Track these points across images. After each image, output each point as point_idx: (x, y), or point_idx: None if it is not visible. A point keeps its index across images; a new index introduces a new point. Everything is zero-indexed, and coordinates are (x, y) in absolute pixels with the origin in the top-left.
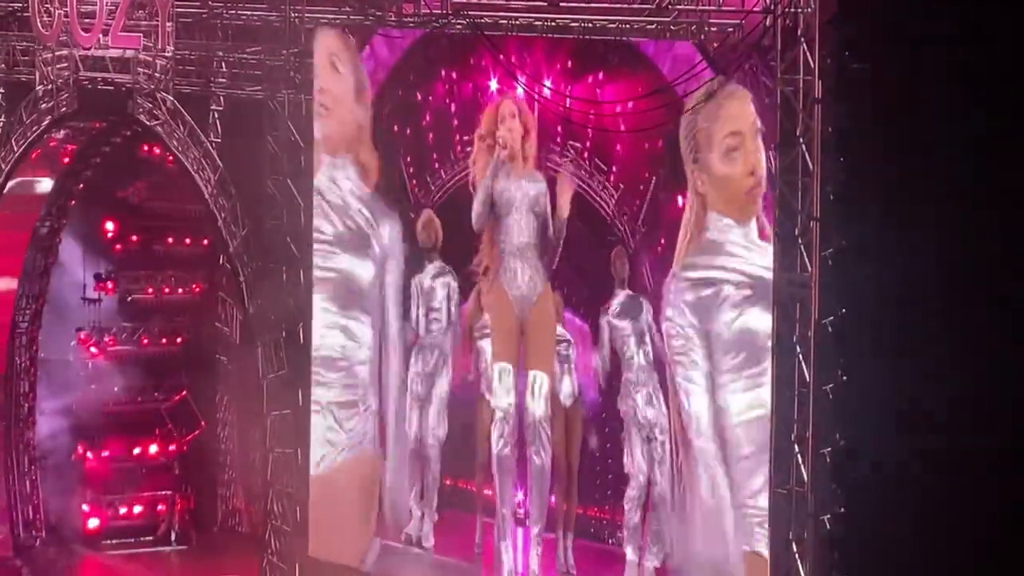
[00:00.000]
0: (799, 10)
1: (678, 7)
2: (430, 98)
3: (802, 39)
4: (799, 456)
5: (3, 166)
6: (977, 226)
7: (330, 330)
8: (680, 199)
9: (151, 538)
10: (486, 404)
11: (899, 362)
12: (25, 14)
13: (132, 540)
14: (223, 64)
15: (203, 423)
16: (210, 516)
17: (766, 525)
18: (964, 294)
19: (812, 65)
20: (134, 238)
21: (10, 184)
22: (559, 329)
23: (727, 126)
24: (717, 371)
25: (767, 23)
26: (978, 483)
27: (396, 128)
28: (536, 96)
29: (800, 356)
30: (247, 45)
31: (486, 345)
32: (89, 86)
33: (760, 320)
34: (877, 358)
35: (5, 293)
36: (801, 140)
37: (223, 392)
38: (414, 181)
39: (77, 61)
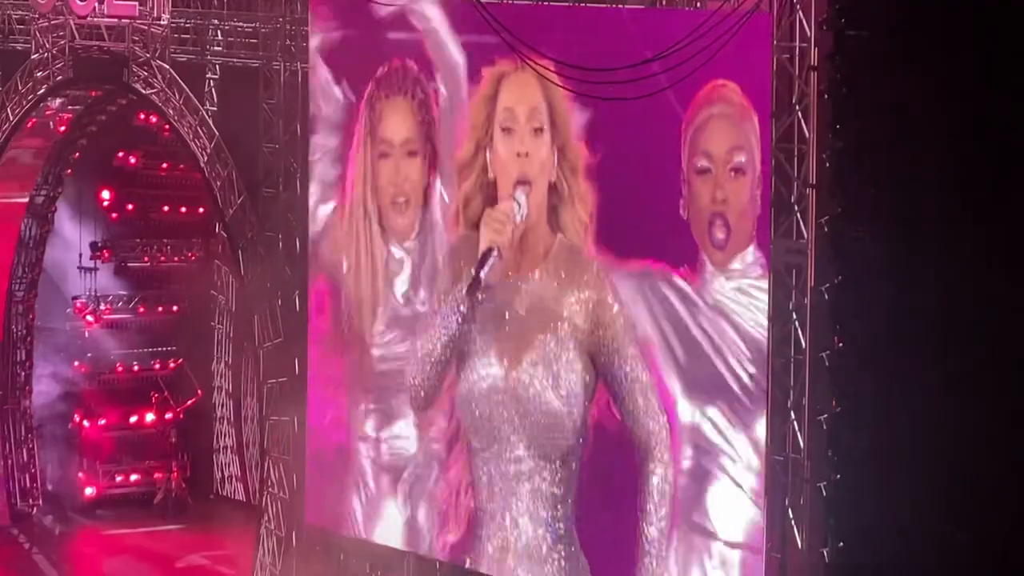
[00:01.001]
0: None
1: None
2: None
3: (798, 6)
4: (795, 423)
5: None
6: (975, 191)
7: None
8: None
9: (148, 506)
10: None
11: (895, 328)
12: None
13: (128, 508)
14: (219, 32)
15: (199, 391)
16: (206, 484)
17: None
18: (961, 260)
19: (808, 32)
20: (130, 206)
21: (5, 153)
22: None
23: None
24: None
25: None
26: (976, 450)
27: None
28: (532, 64)
29: (796, 322)
30: (242, 13)
31: None
32: (85, 54)
33: None
34: (873, 324)
35: (1, 262)
36: (797, 107)
37: (219, 360)
38: None
39: (73, 29)
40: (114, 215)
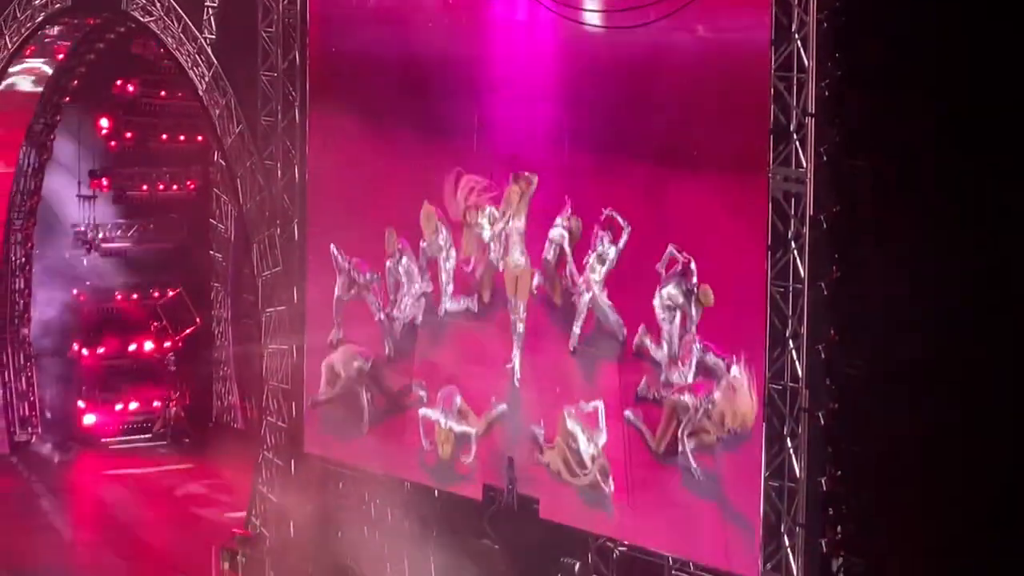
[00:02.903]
0: None
1: None
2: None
3: None
4: (793, 351)
5: None
6: (976, 117)
7: None
8: None
9: (147, 435)
10: None
11: (894, 257)
12: None
13: (128, 437)
14: None
15: (198, 320)
16: (205, 413)
17: None
18: (962, 185)
19: None
20: (128, 135)
21: (4, 81)
22: None
23: None
24: None
25: None
26: (977, 376)
27: None
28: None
29: (795, 251)
30: None
31: None
32: None
33: None
34: (871, 253)
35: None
36: (796, 35)
37: (218, 289)
38: None
39: None
40: (112, 143)
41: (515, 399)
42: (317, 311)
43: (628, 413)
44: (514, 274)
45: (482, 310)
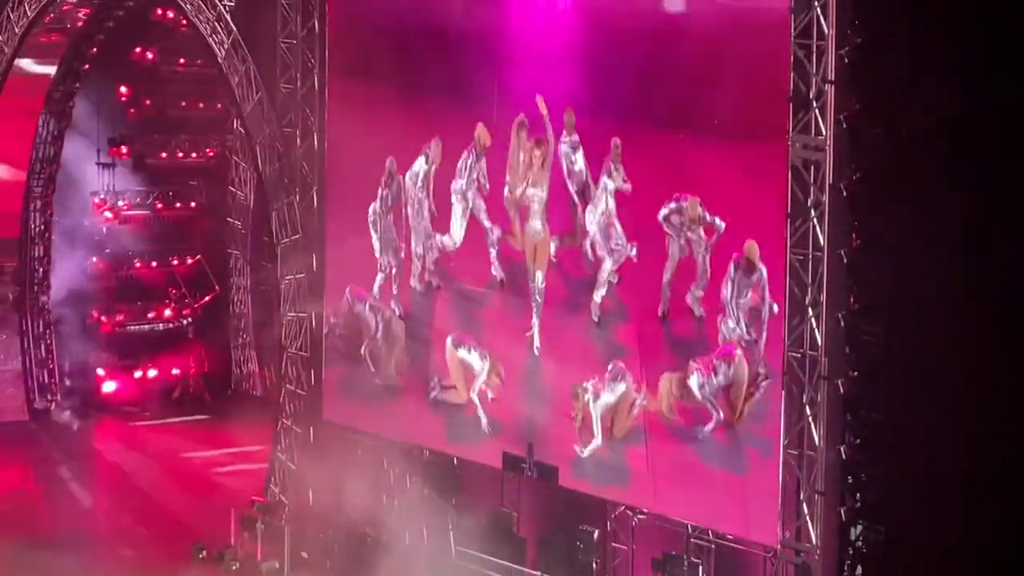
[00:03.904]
0: None
1: None
2: None
3: None
4: (813, 319)
5: (16, 30)
6: (997, 84)
7: None
8: None
9: (166, 402)
10: None
11: (913, 225)
12: None
13: (147, 404)
14: None
15: (217, 287)
16: (224, 380)
17: None
18: (983, 155)
19: None
20: (147, 102)
21: (23, 48)
22: None
23: None
24: None
25: None
26: (992, 344)
27: None
28: None
29: (814, 220)
30: None
31: None
32: None
33: None
34: (891, 221)
35: (20, 158)
36: (816, 3)
37: (237, 256)
38: None
39: None
40: (132, 111)
41: (535, 368)
42: (336, 278)
43: (644, 388)
44: (533, 242)
45: (506, 275)
